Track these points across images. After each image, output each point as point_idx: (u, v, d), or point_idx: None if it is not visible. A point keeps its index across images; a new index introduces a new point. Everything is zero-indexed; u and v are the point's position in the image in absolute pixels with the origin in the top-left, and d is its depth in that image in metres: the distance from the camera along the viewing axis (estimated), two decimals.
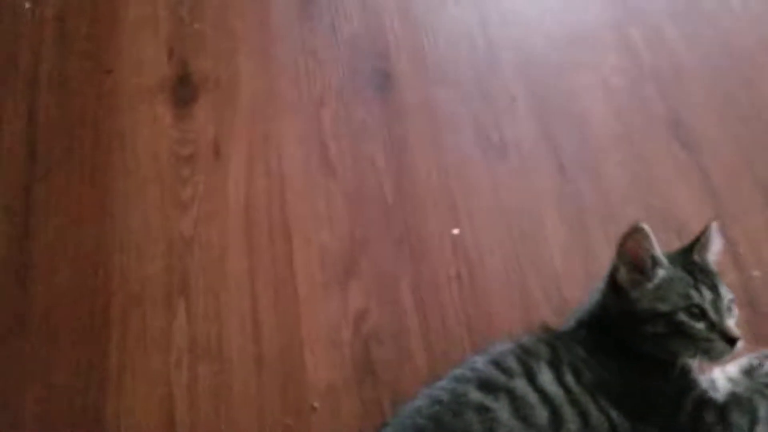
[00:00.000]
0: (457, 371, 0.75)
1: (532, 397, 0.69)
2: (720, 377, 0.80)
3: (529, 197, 1.03)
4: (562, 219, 1.01)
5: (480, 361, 0.75)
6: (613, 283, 0.75)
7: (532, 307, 0.94)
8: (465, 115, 1.13)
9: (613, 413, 0.69)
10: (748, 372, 0.80)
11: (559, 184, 1.04)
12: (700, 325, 0.68)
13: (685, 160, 1.05)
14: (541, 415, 0.68)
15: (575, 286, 0.94)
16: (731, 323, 0.70)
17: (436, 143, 1.10)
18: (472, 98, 1.14)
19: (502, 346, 0.76)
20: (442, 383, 0.74)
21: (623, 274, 0.73)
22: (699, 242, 0.77)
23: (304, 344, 0.93)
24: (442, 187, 1.05)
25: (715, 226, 0.77)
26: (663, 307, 0.70)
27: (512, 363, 0.73)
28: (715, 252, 0.78)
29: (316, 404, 0.88)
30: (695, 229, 0.98)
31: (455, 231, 1.01)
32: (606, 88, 1.13)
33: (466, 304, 0.94)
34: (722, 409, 0.69)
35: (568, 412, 0.69)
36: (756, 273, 0.94)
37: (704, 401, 0.69)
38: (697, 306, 0.69)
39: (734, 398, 0.70)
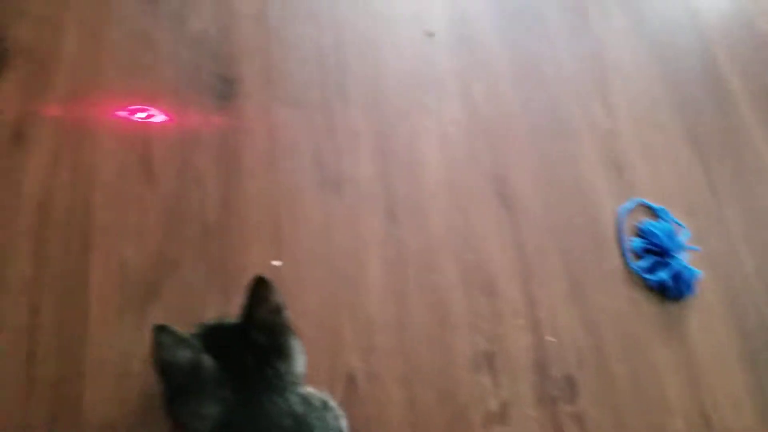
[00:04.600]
0: None
1: None
2: None
3: (356, 238, 1.02)
4: (384, 265, 1.01)
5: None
6: None
7: (340, 351, 0.93)
8: (306, 141, 1.09)
9: None
10: None
11: (387, 227, 1.04)
12: None
13: (503, 217, 1.10)
14: None
15: (386, 333, 0.95)
16: None
17: (271, 165, 1.05)
18: (315, 125, 1.11)
19: None
20: None
21: None
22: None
23: (85, 375, 0.83)
24: (270, 213, 1.01)
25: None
26: None
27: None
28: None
29: None
30: (502, 287, 1.04)
31: (276, 263, 0.97)
32: (443, 136, 1.16)
33: None
34: None
35: None
36: (550, 338, 1.01)
37: None
38: None
39: None
